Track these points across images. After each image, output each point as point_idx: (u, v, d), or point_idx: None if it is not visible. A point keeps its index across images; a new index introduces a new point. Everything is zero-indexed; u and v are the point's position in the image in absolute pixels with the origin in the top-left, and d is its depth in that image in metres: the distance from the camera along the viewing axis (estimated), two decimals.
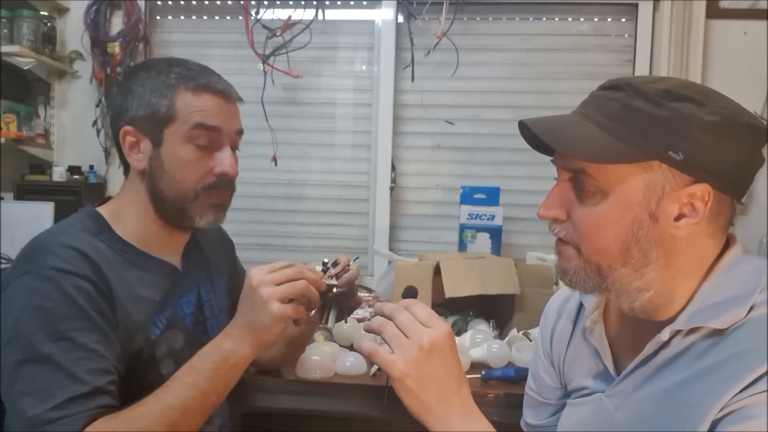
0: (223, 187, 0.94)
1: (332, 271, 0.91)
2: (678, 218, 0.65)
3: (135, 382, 0.86)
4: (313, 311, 0.89)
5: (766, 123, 0.66)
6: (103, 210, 0.94)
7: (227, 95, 0.94)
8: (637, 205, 0.65)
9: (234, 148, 0.97)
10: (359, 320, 1.45)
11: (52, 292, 0.79)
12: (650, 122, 0.63)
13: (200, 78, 0.92)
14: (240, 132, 0.99)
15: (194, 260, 1.04)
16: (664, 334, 0.67)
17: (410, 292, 0.81)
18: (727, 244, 0.70)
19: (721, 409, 0.59)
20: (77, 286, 0.80)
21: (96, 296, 0.82)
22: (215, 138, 0.92)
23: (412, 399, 0.68)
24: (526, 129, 0.70)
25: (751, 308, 0.63)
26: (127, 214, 0.94)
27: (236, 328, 0.86)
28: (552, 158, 0.72)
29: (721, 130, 0.63)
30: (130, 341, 0.86)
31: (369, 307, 1.60)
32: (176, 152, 0.90)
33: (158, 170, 0.91)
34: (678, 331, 0.67)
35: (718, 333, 0.64)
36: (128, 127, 0.91)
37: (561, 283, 0.76)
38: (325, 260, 0.92)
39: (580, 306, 0.84)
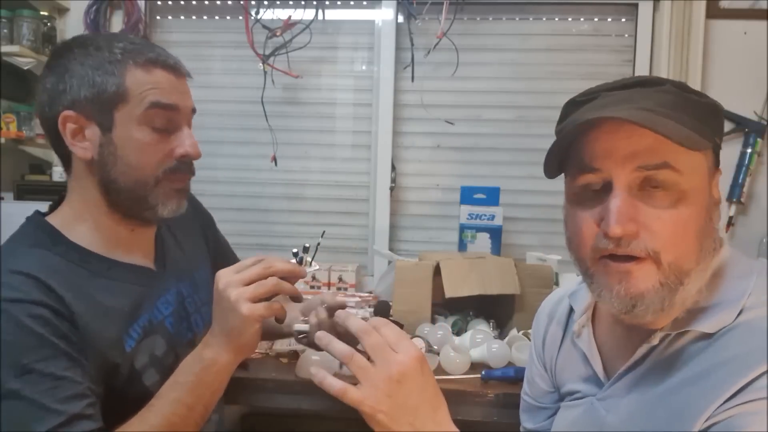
0: (185, 170, 0.87)
1: (307, 258, 0.86)
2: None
3: (119, 398, 0.81)
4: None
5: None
6: (54, 218, 0.85)
7: (178, 70, 0.86)
8: (705, 193, 0.65)
9: (189, 127, 0.89)
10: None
11: (8, 324, 0.72)
12: (704, 111, 0.65)
13: (149, 52, 0.83)
14: (194, 110, 0.89)
15: (168, 254, 0.97)
16: (655, 339, 0.67)
17: (382, 308, 0.77)
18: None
19: (708, 419, 0.59)
20: (33, 314, 0.73)
21: (55, 321, 0.74)
22: (173, 117, 0.84)
23: None
24: (552, 152, 0.66)
25: (741, 312, 0.63)
26: (81, 218, 0.85)
27: (214, 336, 0.82)
28: (594, 166, 0.64)
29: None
30: (102, 359, 0.79)
31: (369, 307, 1.60)
32: (131, 136, 0.81)
33: (110, 158, 0.81)
34: (667, 335, 0.66)
35: (706, 337, 0.63)
36: (68, 112, 0.80)
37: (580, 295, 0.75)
38: (294, 251, 0.87)
39: (571, 310, 0.84)
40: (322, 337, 0.70)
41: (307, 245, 0.87)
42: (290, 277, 0.82)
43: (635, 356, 0.69)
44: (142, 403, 0.80)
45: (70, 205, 0.86)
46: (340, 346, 0.68)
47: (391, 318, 0.75)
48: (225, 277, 0.80)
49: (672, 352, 0.66)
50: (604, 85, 0.68)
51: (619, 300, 0.64)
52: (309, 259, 0.85)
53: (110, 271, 0.84)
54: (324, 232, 0.94)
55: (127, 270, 0.87)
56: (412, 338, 1.23)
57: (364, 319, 0.74)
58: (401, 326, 0.74)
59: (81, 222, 0.85)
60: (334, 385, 0.66)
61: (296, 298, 0.84)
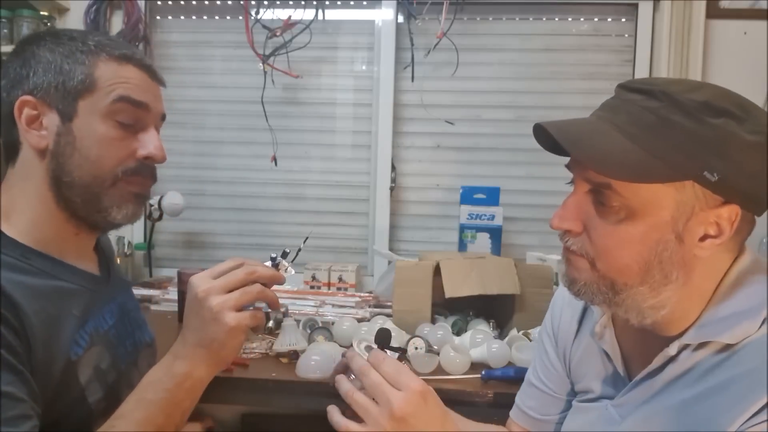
0: (147, 173, 0.80)
1: (284, 263, 0.82)
2: (703, 239, 0.62)
3: (59, 418, 0.70)
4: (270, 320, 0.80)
5: None
6: None
7: (153, 73, 0.82)
8: (665, 225, 0.62)
9: (157, 131, 0.83)
10: (359, 320, 1.45)
11: None
12: (688, 140, 0.59)
13: (124, 48, 0.79)
14: (163, 117, 0.85)
15: (110, 263, 0.91)
16: (672, 349, 0.65)
17: (382, 337, 0.76)
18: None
19: None
20: None
21: None
22: (141, 116, 0.79)
23: None
24: (541, 132, 0.66)
25: (763, 322, 0.61)
26: (18, 211, 0.75)
27: (187, 347, 0.73)
28: (567, 163, 0.68)
29: (760, 150, 0.60)
30: (48, 371, 0.69)
31: (369, 307, 1.60)
32: (93, 128, 0.75)
33: (67, 148, 0.75)
34: (686, 345, 0.65)
35: (727, 348, 0.62)
36: (27, 97, 0.75)
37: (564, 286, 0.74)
38: (273, 255, 0.82)
39: (586, 305, 0.83)
40: (337, 379, 0.72)
41: (287, 250, 0.83)
42: (270, 283, 0.77)
43: (653, 365, 0.68)
44: (86, 426, 0.72)
45: (8, 194, 0.77)
46: (344, 386, 0.70)
47: (391, 347, 0.75)
48: (203, 283, 0.72)
49: (691, 364, 0.65)
50: (626, 82, 0.66)
51: (562, 278, 0.71)
52: (286, 264, 0.82)
53: (55, 269, 0.75)
54: (306, 238, 0.91)
55: (72, 271, 0.78)
56: (412, 338, 1.24)
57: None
58: (404, 351, 0.75)
59: (18, 215, 0.75)
60: (339, 422, 0.68)
61: (274, 305, 0.78)
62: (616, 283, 0.65)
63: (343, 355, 0.75)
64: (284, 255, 0.82)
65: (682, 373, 0.65)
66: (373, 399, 0.67)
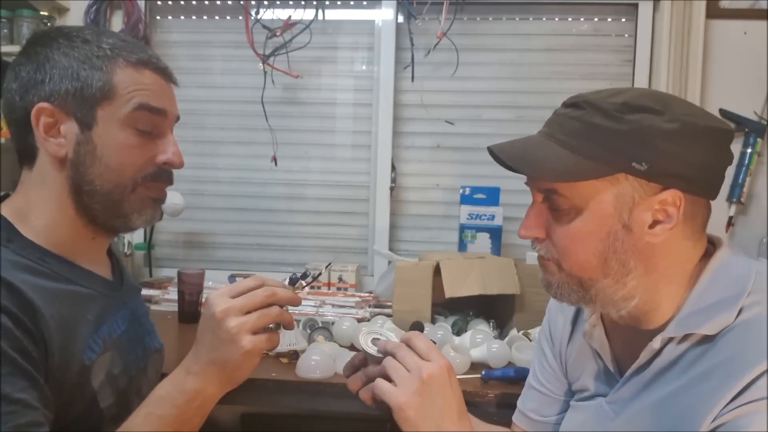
0: (165, 178, 0.81)
1: (302, 283, 0.82)
2: (653, 225, 0.66)
3: (72, 425, 0.71)
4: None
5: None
6: (3, 210, 0.75)
7: (168, 75, 0.81)
8: (610, 217, 0.66)
9: (172, 134, 0.83)
10: (359, 320, 1.45)
11: None
12: (611, 137, 0.65)
13: (140, 52, 0.78)
14: (178, 118, 0.85)
15: (122, 268, 0.91)
16: (656, 342, 0.68)
17: (416, 327, 0.81)
18: (714, 246, 0.70)
19: (714, 420, 0.60)
20: None
21: (15, 331, 0.63)
22: (158, 122, 0.79)
23: (412, 429, 0.70)
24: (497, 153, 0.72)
25: (740, 311, 0.63)
26: (36, 214, 0.76)
27: (199, 364, 0.73)
28: (525, 181, 0.74)
29: (682, 136, 0.64)
30: (62, 375, 0.69)
31: (369, 307, 1.60)
32: (113, 136, 0.75)
33: (88, 157, 0.74)
34: (670, 339, 0.67)
35: (708, 339, 0.64)
36: (44, 104, 0.73)
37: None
38: (294, 274, 0.83)
39: (579, 308, 0.85)
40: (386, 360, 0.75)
41: (309, 272, 0.84)
42: (290, 304, 0.77)
43: (640, 360, 0.70)
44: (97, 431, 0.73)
45: (25, 197, 0.77)
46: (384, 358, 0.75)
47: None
48: (222, 302, 0.72)
49: (676, 356, 0.67)
50: (567, 99, 0.72)
51: (541, 283, 0.75)
52: (303, 283, 0.82)
53: (71, 273, 0.76)
54: (330, 263, 0.93)
55: (87, 275, 0.78)
56: None
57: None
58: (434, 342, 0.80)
59: (35, 218, 0.76)
60: (376, 381, 0.73)
61: (289, 326, 0.78)
62: (583, 280, 0.69)
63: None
64: (304, 276, 0.83)
65: (668, 365, 0.68)
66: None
